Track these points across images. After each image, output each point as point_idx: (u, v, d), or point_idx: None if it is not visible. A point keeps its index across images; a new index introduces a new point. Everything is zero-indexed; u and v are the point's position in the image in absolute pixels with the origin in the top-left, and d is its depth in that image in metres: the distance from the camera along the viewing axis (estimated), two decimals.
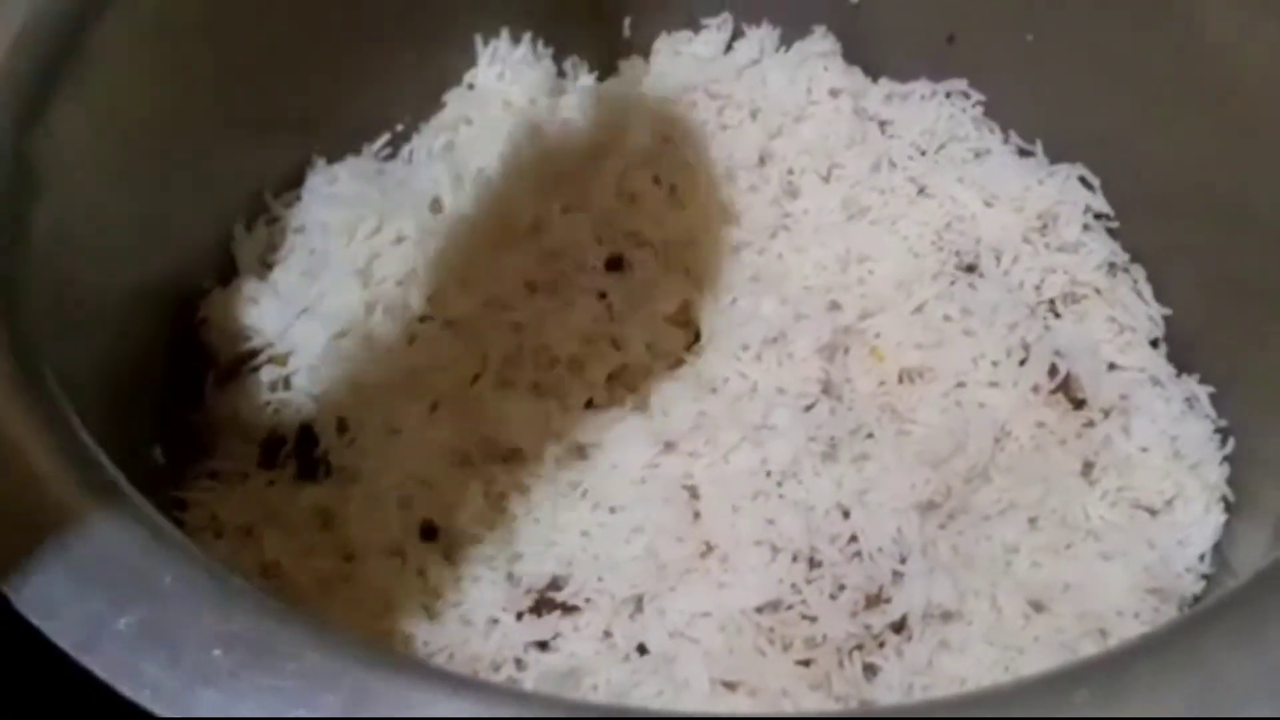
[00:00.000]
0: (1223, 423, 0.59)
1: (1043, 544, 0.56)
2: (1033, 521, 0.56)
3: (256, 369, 0.59)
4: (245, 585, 0.36)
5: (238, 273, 0.62)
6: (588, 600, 0.52)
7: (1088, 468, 0.59)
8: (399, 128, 0.70)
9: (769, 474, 0.55)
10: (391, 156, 0.69)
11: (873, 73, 0.72)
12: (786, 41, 0.72)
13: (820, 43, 0.72)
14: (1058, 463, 0.58)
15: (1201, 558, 0.56)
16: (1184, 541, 0.56)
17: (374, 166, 0.68)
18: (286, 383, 0.58)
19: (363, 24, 0.66)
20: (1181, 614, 0.53)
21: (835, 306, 0.62)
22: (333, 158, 0.67)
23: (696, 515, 0.54)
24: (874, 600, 0.53)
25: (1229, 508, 0.57)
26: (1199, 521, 0.56)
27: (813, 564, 0.53)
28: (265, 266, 0.63)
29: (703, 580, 0.52)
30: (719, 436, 0.56)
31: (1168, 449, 0.59)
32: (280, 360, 0.59)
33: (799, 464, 0.55)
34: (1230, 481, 0.57)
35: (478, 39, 0.71)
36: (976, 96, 0.71)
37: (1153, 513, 0.57)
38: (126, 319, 0.55)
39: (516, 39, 0.71)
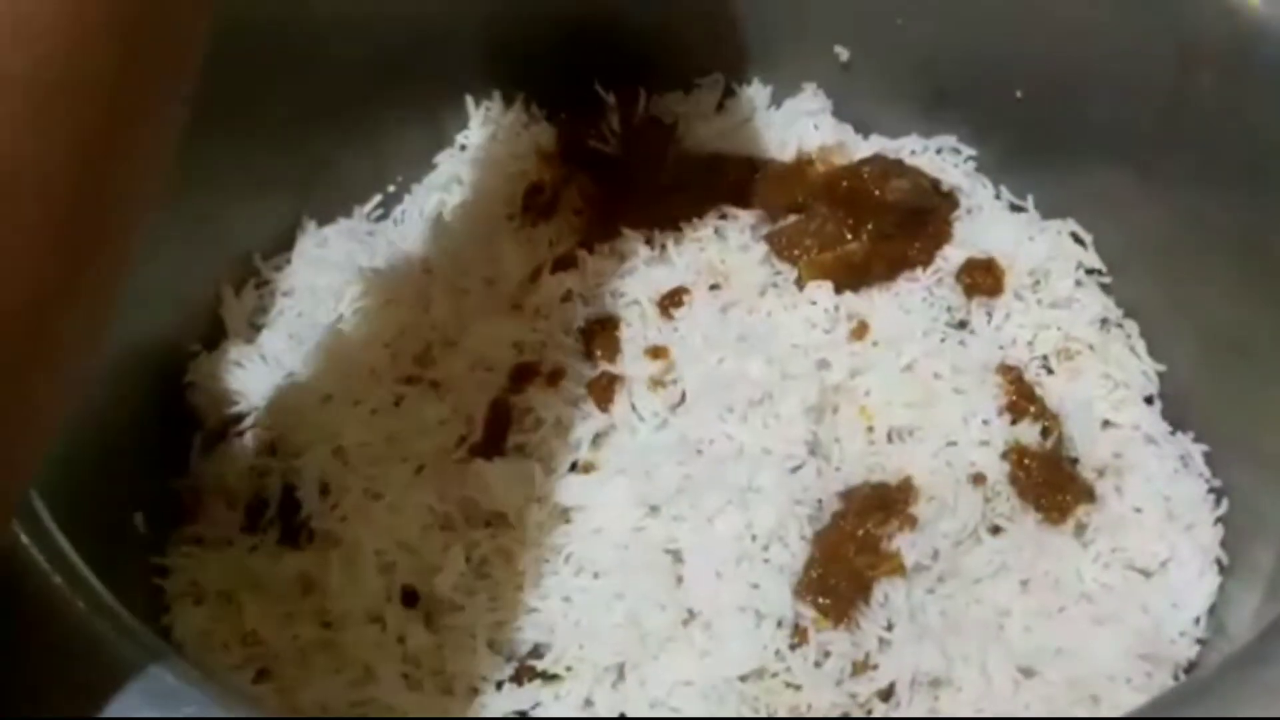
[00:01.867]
0: (1217, 482, 0.58)
1: (1034, 608, 0.55)
2: (1024, 584, 0.56)
3: (242, 433, 0.59)
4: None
5: (225, 336, 0.62)
6: (569, 669, 0.52)
7: (1080, 529, 0.58)
8: (390, 189, 0.71)
9: (754, 538, 0.55)
10: (383, 218, 0.70)
11: (864, 130, 0.72)
12: (777, 100, 0.73)
13: (811, 101, 0.72)
14: (1050, 523, 0.58)
15: (1196, 621, 0.55)
16: (1178, 605, 0.55)
17: (364, 228, 0.69)
18: (271, 447, 0.58)
19: (355, 86, 0.67)
20: (1177, 682, 0.52)
21: (824, 365, 0.62)
22: (324, 220, 0.68)
23: (679, 580, 0.54)
24: (860, 667, 0.52)
25: (1223, 570, 0.56)
26: (1193, 584, 0.55)
27: (797, 630, 0.53)
28: (254, 329, 0.63)
29: (685, 648, 0.52)
30: (703, 499, 0.55)
31: (1161, 509, 0.58)
32: (265, 424, 0.59)
33: (784, 527, 0.55)
34: (1224, 543, 0.56)
35: (470, 100, 0.71)
36: (967, 152, 0.71)
37: (1146, 575, 0.56)
38: (111, 383, 0.55)
39: (509, 100, 0.72)
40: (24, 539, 0.38)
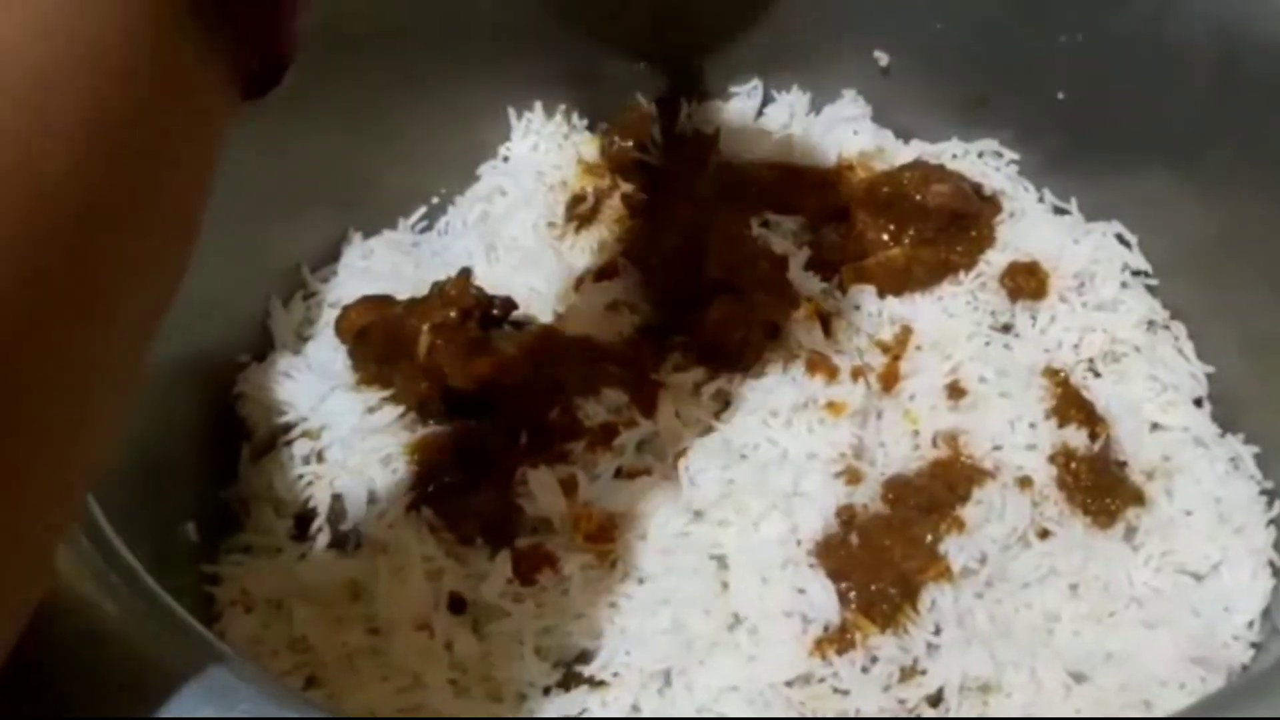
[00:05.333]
0: (1268, 484, 0.58)
1: (1084, 612, 0.54)
2: (1074, 588, 0.55)
3: (291, 443, 0.59)
4: None
5: (274, 347, 0.63)
6: (615, 675, 0.52)
7: (1130, 532, 0.57)
8: (434, 200, 0.71)
9: (799, 543, 0.55)
10: (427, 229, 0.70)
11: (904, 135, 0.72)
12: (816, 106, 0.73)
13: (850, 106, 0.72)
14: (1099, 527, 0.57)
15: (1250, 624, 0.54)
16: (1231, 608, 0.54)
17: (409, 239, 0.69)
18: (320, 456, 0.59)
19: (397, 99, 0.67)
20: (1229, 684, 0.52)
21: (868, 369, 0.62)
22: (369, 232, 0.69)
23: (725, 586, 0.54)
24: (908, 673, 0.52)
25: (1276, 572, 0.55)
26: (1245, 587, 0.55)
27: (844, 635, 0.52)
28: (301, 340, 0.64)
29: (731, 653, 0.52)
30: (748, 505, 0.56)
31: (1212, 512, 0.57)
32: (314, 434, 0.59)
33: (830, 532, 0.55)
34: (1277, 545, 0.56)
35: (511, 112, 0.72)
36: (1009, 156, 0.70)
37: (1198, 578, 0.56)
38: (162, 394, 0.56)
39: (550, 111, 0.72)
40: (83, 541, 0.39)
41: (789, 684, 0.51)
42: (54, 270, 0.24)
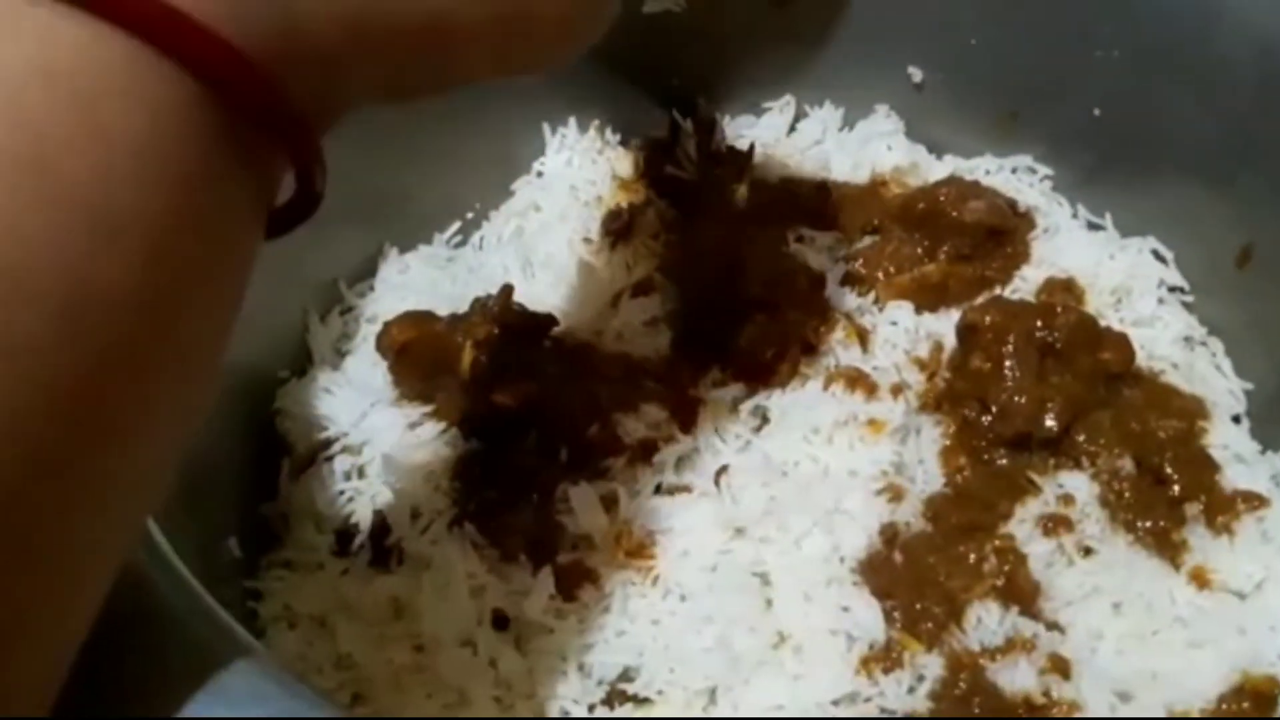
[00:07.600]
0: None
1: (1128, 631, 0.54)
2: (1117, 607, 0.55)
3: (331, 458, 0.59)
4: None
5: (312, 363, 0.63)
6: (660, 692, 0.52)
7: (1173, 550, 0.57)
8: (469, 215, 0.71)
9: (842, 560, 0.55)
10: (462, 244, 0.71)
11: (937, 150, 0.72)
12: (849, 122, 0.73)
13: (883, 122, 0.72)
14: (1142, 545, 0.57)
15: None
16: (1276, 627, 0.54)
17: (445, 254, 0.69)
18: (361, 471, 0.59)
19: (433, 116, 0.68)
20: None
21: (906, 386, 0.62)
22: (405, 247, 0.69)
23: (769, 603, 0.54)
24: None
25: None
26: None
27: (890, 654, 0.52)
28: (339, 355, 0.64)
29: (776, 672, 0.52)
30: (790, 522, 0.55)
31: (1255, 530, 0.57)
32: (355, 450, 0.59)
33: (873, 550, 0.55)
34: None
35: (545, 127, 0.72)
36: (1043, 171, 0.70)
37: (1241, 597, 0.55)
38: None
39: (584, 126, 0.72)
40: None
41: (835, 703, 0.51)
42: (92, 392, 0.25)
